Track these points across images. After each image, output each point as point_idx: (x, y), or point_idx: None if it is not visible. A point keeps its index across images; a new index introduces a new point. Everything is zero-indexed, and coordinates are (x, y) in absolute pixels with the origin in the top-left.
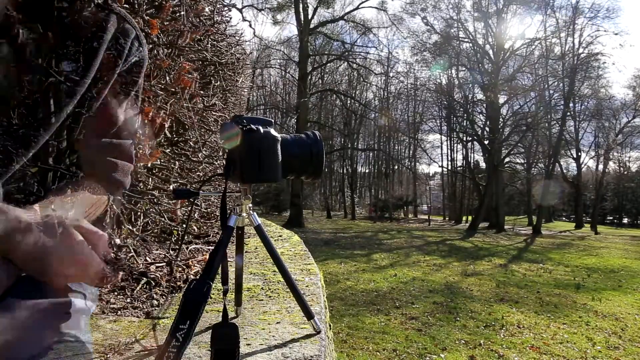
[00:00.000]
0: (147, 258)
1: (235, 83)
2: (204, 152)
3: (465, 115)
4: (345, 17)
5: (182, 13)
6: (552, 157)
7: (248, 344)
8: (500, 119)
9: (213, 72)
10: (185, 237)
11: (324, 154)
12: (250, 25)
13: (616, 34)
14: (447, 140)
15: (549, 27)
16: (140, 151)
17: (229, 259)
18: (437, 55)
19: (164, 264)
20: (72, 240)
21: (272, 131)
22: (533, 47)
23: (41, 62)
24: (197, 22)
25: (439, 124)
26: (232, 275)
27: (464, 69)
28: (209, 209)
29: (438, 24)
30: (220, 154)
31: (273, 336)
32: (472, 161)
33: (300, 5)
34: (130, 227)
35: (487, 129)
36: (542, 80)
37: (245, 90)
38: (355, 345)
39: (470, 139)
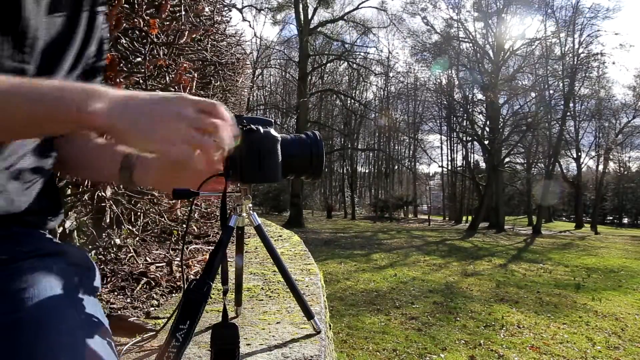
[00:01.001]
0: (147, 258)
1: (235, 83)
2: None
3: (465, 115)
4: (345, 17)
5: (182, 13)
6: (552, 157)
7: (248, 344)
8: (500, 119)
9: (213, 72)
10: (186, 237)
11: (324, 154)
12: (250, 26)
13: (616, 34)
14: (447, 140)
15: (549, 27)
16: None
17: (228, 259)
18: (437, 55)
19: (164, 264)
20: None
21: (272, 131)
22: (533, 47)
23: None
24: (197, 22)
25: (439, 124)
26: (232, 275)
27: (464, 69)
28: (209, 209)
29: (438, 23)
30: None
31: (273, 336)
32: (472, 161)
33: (300, 5)
34: (130, 227)
35: (487, 129)
36: (542, 80)
37: (245, 90)
38: (355, 345)
39: (470, 139)
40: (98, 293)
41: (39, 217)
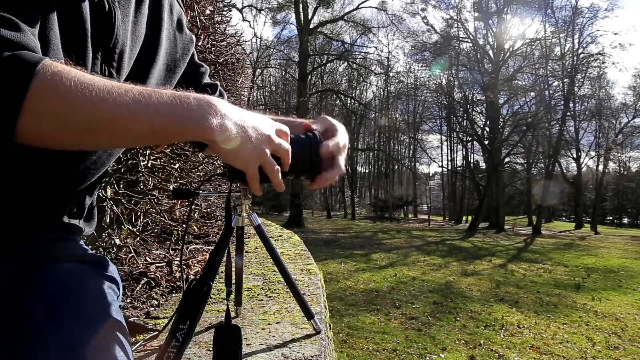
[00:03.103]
0: (147, 258)
1: (235, 83)
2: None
3: (465, 115)
4: (345, 17)
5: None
6: (552, 157)
7: (248, 344)
8: (500, 119)
9: (213, 72)
10: (185, 237)
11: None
12: (250, 26)
13: (615, 33)
14: (447, 140)
15: (549, 27)
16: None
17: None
18: (437, 55)
19: (164, 264)
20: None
21: None
22: (533, 47)
23: None
24: (205, 22)
25: (439, 124)
26: (232, 275)
27: (464, 69)
28: (209, 209)
29: (438, 23)
30: None
31: (273, 336)
32: (472, 161)
33: (300, 5)
34: (130, 227)
35: (487, 129)
36: (542, 81)
37: (245, 90)
38: (355, 345)
39: (470, 139)
40: (120, 305)
41: (81, 225)
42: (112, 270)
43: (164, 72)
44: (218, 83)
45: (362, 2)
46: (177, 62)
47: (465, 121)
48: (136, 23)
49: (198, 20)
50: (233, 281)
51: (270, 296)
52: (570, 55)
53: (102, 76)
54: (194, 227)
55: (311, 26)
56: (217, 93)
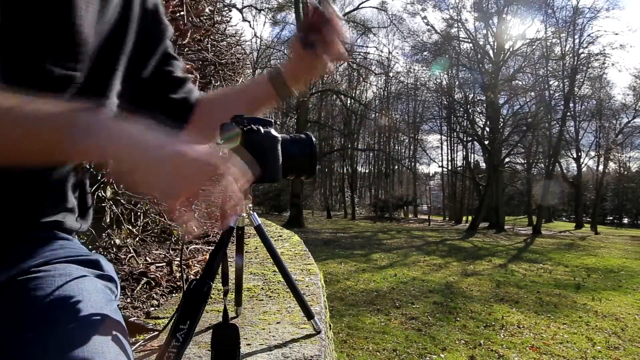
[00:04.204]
0: (147, 258)
1: (235, 83)
2: None
3: (465, 115)
4: (345, 17)
5: (184, 13)
6: (552, 157)
7: (248, 344)
8: (500, 119)
9: (213, 72)
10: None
11: (319, 154)
12: (250, 26)
13: (616, 34)
14: (447, 140)
15: (549, 27)
16: None
17: (228, 259)
18: (437, 55)
19: (164, 264)
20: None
21: (273, 131)
22: (533, 47)
23: None
24: (198, 22)
25: (439, 124)
26: (232, 275)
27: (464, 69)
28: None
29: (438, 23)
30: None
31: (273, 336)
32: (472, 161)
33: (300, 5)
34: (130, 227)
35: (487, 129)
36: (542, 81)
37: None
38: (355, 345)
39: (470, 139)
40: (118, 304)
41: (74, 223)
42: (109, 269)
43: (133, 62)
44: (190, 77)
45: (362, 2)
46: (148, 52)
47: (465, 121)
48: (103, 10)
49: (198, 20)
50: (233, 281)
51: (270, 296)
52: (571, 55)
53: (62, 69)
54: (194, 227)
55: None
56: (186, 88)
